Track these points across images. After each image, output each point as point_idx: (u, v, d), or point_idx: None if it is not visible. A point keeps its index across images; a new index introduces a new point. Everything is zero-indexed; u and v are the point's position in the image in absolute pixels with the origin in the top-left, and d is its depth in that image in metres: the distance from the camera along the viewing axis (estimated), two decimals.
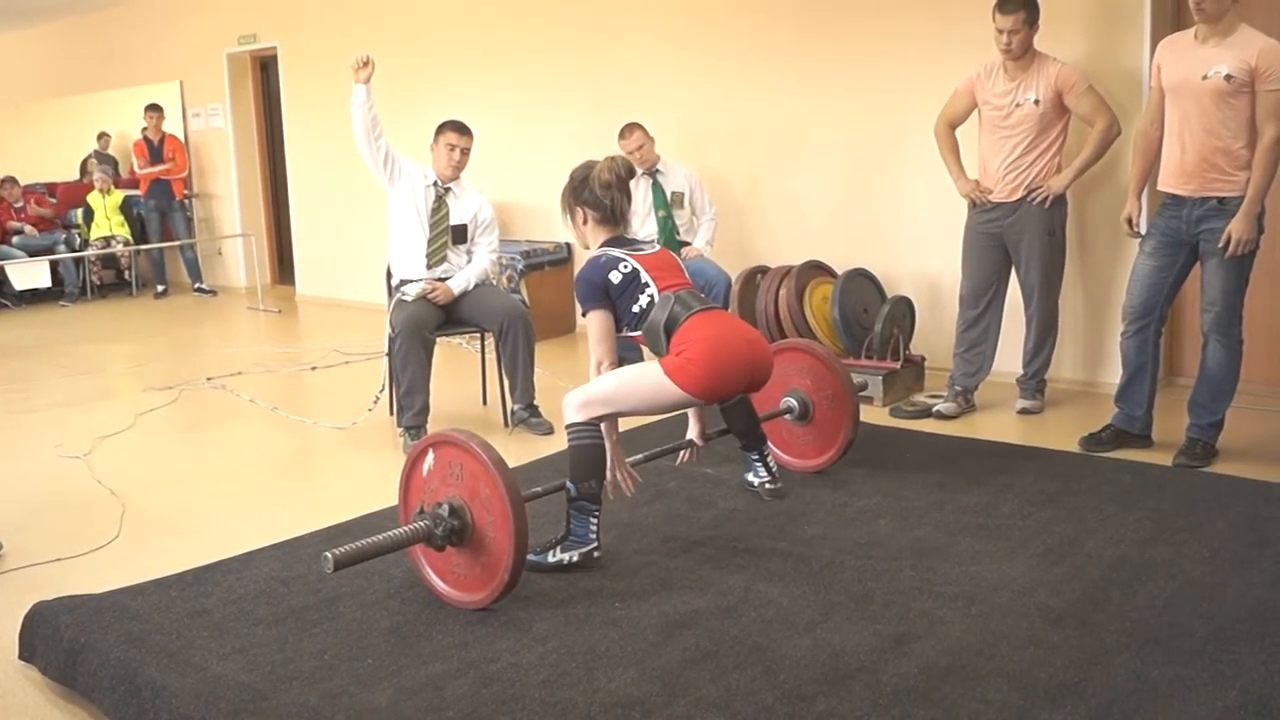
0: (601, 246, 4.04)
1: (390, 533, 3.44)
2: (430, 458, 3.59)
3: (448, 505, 3.47)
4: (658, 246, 4.15)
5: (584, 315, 4.01)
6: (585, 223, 4.08)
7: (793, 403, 4.79)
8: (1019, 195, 5.58)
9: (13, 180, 11.98)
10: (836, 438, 4.73)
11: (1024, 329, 5.83)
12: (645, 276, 3.92)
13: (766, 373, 3.99)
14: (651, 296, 3.90)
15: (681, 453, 4.45)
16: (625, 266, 3.93)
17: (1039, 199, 5.54)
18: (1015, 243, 5.66)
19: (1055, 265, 5.70)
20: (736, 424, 4.44)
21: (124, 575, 3.85)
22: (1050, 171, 5.55)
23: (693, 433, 4.40)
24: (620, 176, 3.99)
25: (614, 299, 3.93)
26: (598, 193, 3.99)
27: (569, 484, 3.80)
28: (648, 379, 3.82)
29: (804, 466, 4.82)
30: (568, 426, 3.85)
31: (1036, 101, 5.45)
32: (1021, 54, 5.44)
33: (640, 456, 4.26)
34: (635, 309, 3.92)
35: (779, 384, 4.77)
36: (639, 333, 3.95)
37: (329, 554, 3.25)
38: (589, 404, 3.83)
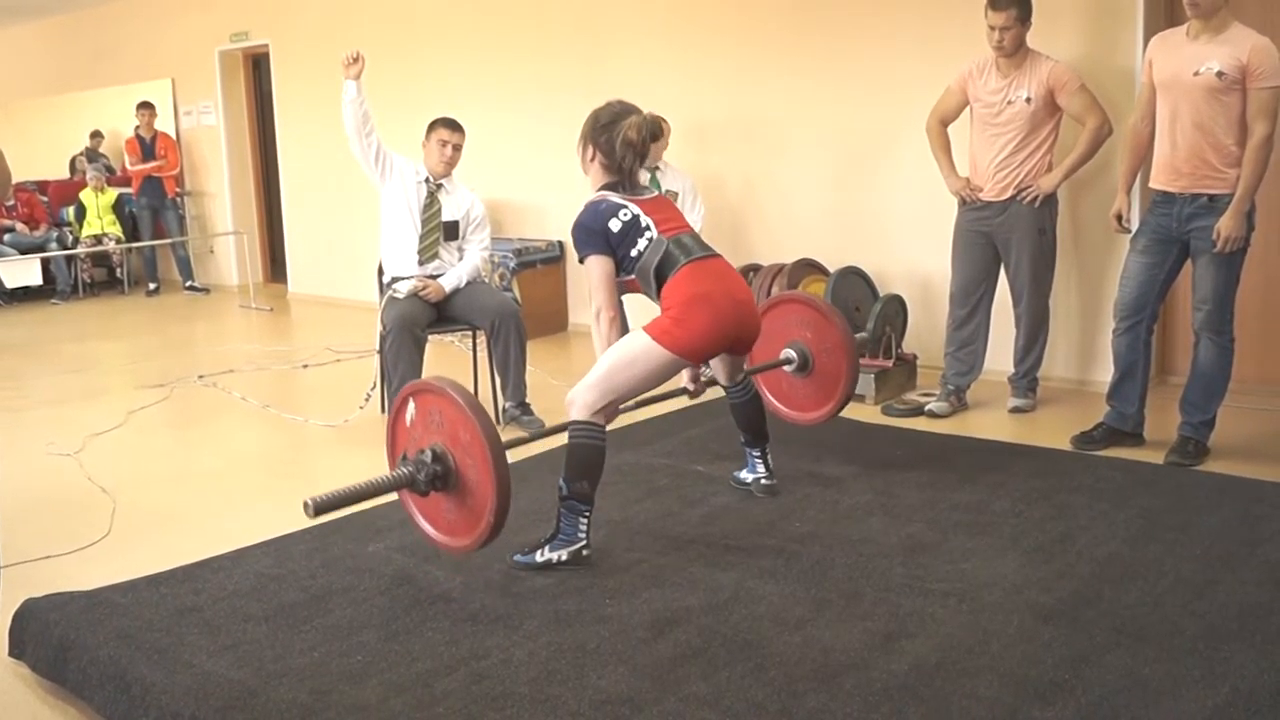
0: (601, 190, 4.00)
1: (372, 479, 3.44)
2: (411, 407, 3.58)
3: (430, 451, 3.46)
4: (655, 193, 4.12)
5: (581, 262, 3.96)
6: (592, 160, 4.03)
7: (792, 354, 4.77)
8: (1009, 194, 5.57)
9: None
10: (836, 390, 4.72)
11: (1014, 327, 5.83)
12: (645, 220, 3.90)
13: (753, 335, 4.04)
14: (650, 239, 3.88)
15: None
16: (625, 214, 3.90)
17: (1029, 198, 5.54)
18: (1005, 241, 5.65)
19: (1045, 264, 5.70)
20: (743, 420, 4.44)
21: (114, 572, 3.84)
22: (1041, 170, 5.55)
23: (685, 381, 4.36)
24: (644, 139, 3.95)
25: (614, 247, 3.91)
26: (616, 146, 3.94)
27: (561, 482, 3.79)
28: (636, 349, 3.81)
29: (803, 419, 4.84)
30: (571, 424, 3.83)
31: (1028, 99, 5.45)
32: (1014, 51, 5.43)
33: (632, 403, 4.22)
34: (634, 253, 3.90)
35: (780, 335, 4.78)
36: (633, 276, 3.94)
37: (309, 500, 3.24)
38: (589, 394, 3.81)
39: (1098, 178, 5.95)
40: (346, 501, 3.37)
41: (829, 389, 4.75)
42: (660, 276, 3.87)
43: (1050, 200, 5.60)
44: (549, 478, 4.62)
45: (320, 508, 3.25)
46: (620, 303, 4.02)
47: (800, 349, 4.77)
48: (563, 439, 5.22)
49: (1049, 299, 5.79)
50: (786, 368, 4.81)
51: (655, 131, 4.00)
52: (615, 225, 3.89)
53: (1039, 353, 5.82)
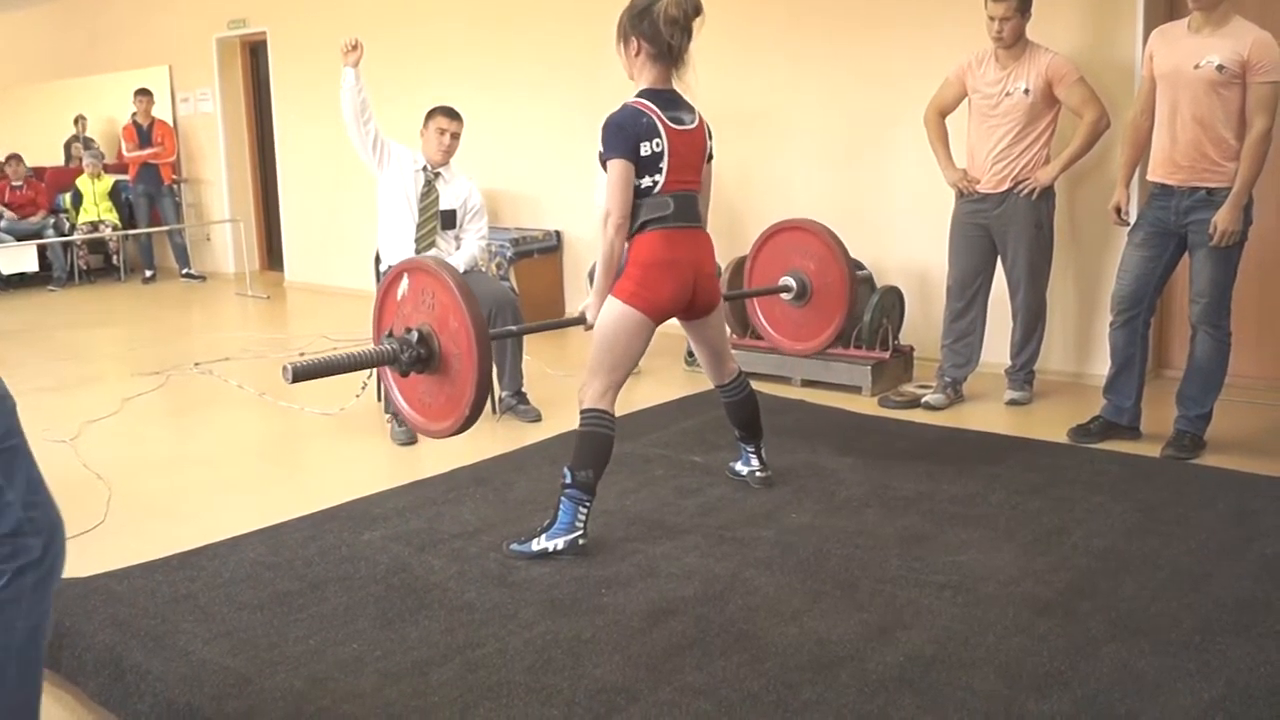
0: (647, 95, 3.86)
1: (355, 351, 3.43)
2: (405, 282, 3.54)
3: (417, 332, 3.43)
4: (696, 121, 3.95)
5: (603, 161, 3.81)
6: (638, 54, 3.85)
7: (791, 282, 4.77)
8: (1006, 186, 5.57)
9: (17, 158, 11.87)
10: (829, 324, 4.73)
11: (1011, 320, 5.83)
12: (664, 163, 3.80)
13: (706, 307, 4.06)
14: (656, 182, 3.81)
15: None
16: (658, 145, 3.79)
17: (1026, 191, 5.53)
18: (1002, 234, 5.65)
19: (1042, 257, 5.70)
20: (737, 419, 4.42)
21: (110, 559, 3.84)
22: (1038, 163, 5.54)
23: None
24: (687, 13, 3.75)
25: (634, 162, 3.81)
26: (661, 27, 3.74)
27: (566, 470, 3.79)
28: (613, 317, 3.83)
29: (793, 348, 4.90)
30: (582, 412, 3.84)
31: (1026, 91, 5.44)
32: (1013, 42, 5.43)
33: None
34: (635, 182, 3.83)
35: (780, 262, 4.77)
36: None
37: (287, 364, 3.24)
38: (593, 381, 3.83)
39: (1096, 170, 5.94)
40: (327, 371, 3.34)
41: (822, 323, 4.75)
42: (643, 225, 3.84)
43: (1047, 193, 5.60)
44: (546, 468, 4.64)
45: (299, 374, 3.23)
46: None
47: (800, 278, 4.75)
48: (558, 429, 5.27)
49: (1046, 292, 5.79)
50: (784, 295, 4.80)
51: (696, 7, 3.79)
52: (645, 150, 3.78)
53: (1036, 346, 5.82)
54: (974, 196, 5.66)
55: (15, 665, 2.25)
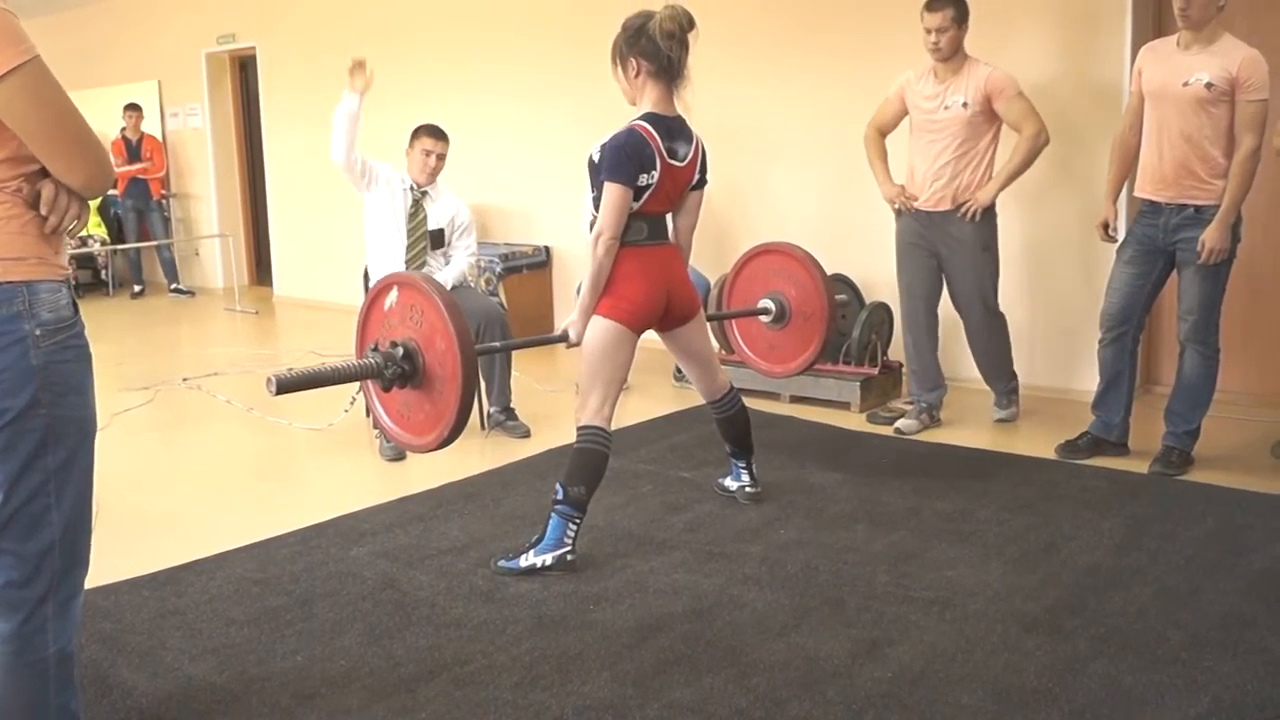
0: (650, 120, 3.85)
1: (338, 364, 3.42)
2: (395, 294, 3.51)
3: (402, 347, 3.40)
4: (690, 154, 3.98)
5: (602, 180, 3.79)
6: (638, 75, 3.85)
7: (770, 305, 4.77)
8: (946, 206, 5.44)
9: None
10: (805, 349, 4.73)
11: (991, 340, 5.72)
12: (647, 194, 3.83)
13: (684, 313, 4.08)
14: (633, 208, 3.83)
15: None
16: (654, 176, 3.82)
17: (968, 213, 5.40)
18: (948, 258, 5.53)
19: (991, 281, 5.57)
20: (730, 435, 4.43)
21: (97, 575, 3.77)
22: (980, 183, 5.41)
23: None
24: (682, 27, 3.77)
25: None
26: (659, 43, 3.75)
27: (559, 486, 3.79)
28: (598, 333, 3.85)
29: (766, 370, 4.91)
30: (579, 429, 3.85)
31: (965, 105, 5.32)
32: (950, 55, 5.32)
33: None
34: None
35: (760, 283, 4.78)
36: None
37: (272, 377, 3.23)
38: (589, 398, 3.85)
39: (1081, 186, 5.95)
40: (310, 384, 3.34)
41: (798, 349, 4.75)
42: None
43: (989, 214, 5.46)
44: (535, 483, 4.64)
45: (282, 386, 3.22)
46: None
47: (779, 300, 4.76)
48: (546, 445, 5.26)
49: (999, 306, 5.66)
50: (763, 318, 4.81)
51: (690, 20, 3.80)
52: (643, 180, 3.80)
53: (1010, 361, 5.73)
54: (913, 214, 5.56)
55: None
